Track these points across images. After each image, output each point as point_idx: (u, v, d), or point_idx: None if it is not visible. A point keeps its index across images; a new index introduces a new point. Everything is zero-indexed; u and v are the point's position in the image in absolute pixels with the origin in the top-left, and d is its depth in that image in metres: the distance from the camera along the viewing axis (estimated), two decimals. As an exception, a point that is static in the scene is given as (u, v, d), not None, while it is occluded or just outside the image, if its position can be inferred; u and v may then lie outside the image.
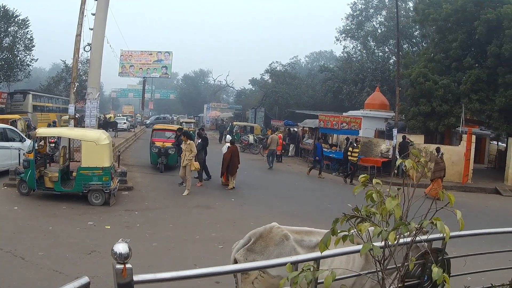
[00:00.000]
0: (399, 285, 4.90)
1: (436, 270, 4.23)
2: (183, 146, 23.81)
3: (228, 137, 31.64)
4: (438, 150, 27.38)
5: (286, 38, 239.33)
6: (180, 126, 38.44)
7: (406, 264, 4.76)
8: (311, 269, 4.59)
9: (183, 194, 22.68)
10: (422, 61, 39.65)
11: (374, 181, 4.72)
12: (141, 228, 16.32)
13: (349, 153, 29.75)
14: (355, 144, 30.21)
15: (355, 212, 4.58)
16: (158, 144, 30.01)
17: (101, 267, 11.50)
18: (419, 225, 4.48)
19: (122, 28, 77.71)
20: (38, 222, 16.23)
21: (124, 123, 71.81)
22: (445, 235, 4.46)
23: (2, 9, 54.91)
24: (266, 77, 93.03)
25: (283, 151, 42.43)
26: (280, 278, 6.11)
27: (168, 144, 30.05)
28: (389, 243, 4.33)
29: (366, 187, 4.78)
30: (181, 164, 24.27)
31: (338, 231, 4.51)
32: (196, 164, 23.59)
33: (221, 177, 26.09)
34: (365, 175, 4.90)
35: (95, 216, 17.41)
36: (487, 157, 44.03)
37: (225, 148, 26.80)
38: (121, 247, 4.17)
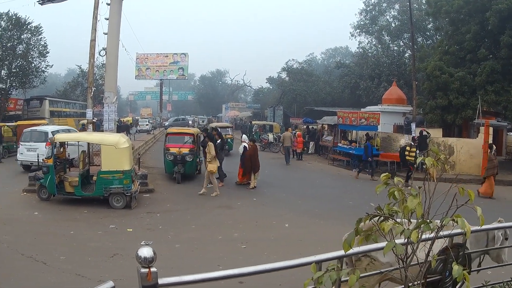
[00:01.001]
0: (422, 281, 4.86)
1: (456, 268, 4.21)
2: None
3: (244, 137, 29.88)
4: (490, 146, 27.02)
5: (301, 35, 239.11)
6: (203, 129, 35.38)
7: (428, 261, 4.76)
8: (336, 268, 4.53)
9: (212, 195, 22.67)
10: (437, 54, 39.43)
11: (395, 179, 4.70)
12: (163, 230, 16.27)
13: (406, 153, 28.66)
14: (412, 143, 29.53)
15: (378, 211, 4.56)
16: (173, 150, 26.53)
17: (124, 270, 11.42)
18: (441, 223, 4.45)
19: (137, 31, 78.25)
20: (59, 226, 16.25)
21: (147, 124, 73.84)
22: (466, 231, 4.37)
23: (14, 17, 55.03)
24: (283, 75, 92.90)
25: (304, 148, 42.27)
26: (389, 265, 6.12)
27: (185, 150, 26.61)
28: (412, 241, 4.31)
29: (388, 185, 4.68)
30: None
31: (362, 230, 4.51)
32: (211, 166, 23.49)
33: (243, 176, 26.03)
34: (387, 173, 4.83)
35: (117, 219, 17.40)
36: (504, 149, 43.65)
37: (241, 148, 26.72)
38: (145, 251, 4.07)
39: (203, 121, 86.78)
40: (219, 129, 32.44)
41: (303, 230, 16.57)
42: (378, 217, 4.53)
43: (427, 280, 5.17)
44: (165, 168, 27.48)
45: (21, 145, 28.65)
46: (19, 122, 40.29)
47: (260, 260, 12.03)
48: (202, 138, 27.67)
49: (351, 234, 4.51)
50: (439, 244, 5.65)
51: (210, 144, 23.69)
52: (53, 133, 28.10)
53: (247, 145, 26.29)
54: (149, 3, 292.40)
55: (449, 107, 35.22)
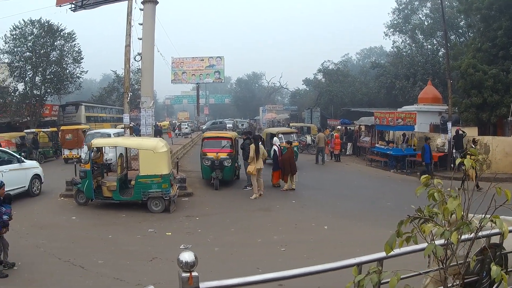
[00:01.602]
0: (460, 282, 4.86)
1: (495, 269, 4.23)
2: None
3: (276, 139, 29.82)
4: None
5: (335, 36, 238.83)
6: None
7: (466, 262, 4.74)
8: (377, 271, 4.54)
9: (250, 198, 22.79)
10: (470, 51, 39.31)
11: (435, 180, 4.69)
12: (203, 233, 16.25)
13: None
14: (473, 146, 29.20)
15: (418, 213, 4.58)
16: (210, 155, 25.34)
17: (163, 274, 11.42)
18: (479, 224, 4.47)
19: (171, 35, 78.71)
20: (97, 231, 16.34)
21: (186, 128, 74.07)
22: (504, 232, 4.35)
23: (46, 24, 55.58)
24: (319, 76, 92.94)
25: (342, 149, 42.16)
26: None
27: (223, 155, 25.37)
28: (452, 242, 4.32)
29: (428, 186, 4.67)
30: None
31: (403, 232, 4.48)
32: (250, 167, 23.65)
33: (280, 178, 25.85)
34: (427, 175, 4.81)
35: (156, 223, 17.43)
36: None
37: (272, 150, 26.79)
38: (187, 256, 4.04)
39: (242, 125, 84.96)
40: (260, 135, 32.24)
41: (342, 232, 16.50)
42: (419, 219, 4.52)
43: (465, 281, 5.05)
44: (202, 174, 26.54)
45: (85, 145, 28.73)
46: (62, 127, 41.26)
47: (299, 262, 11.87)
48: (242, 141, 26.82)
49: (393, 236, 4.49)
50: (476, 245, 5.54)
51: (252, 146, 23.81)
52: (115, 135, 30.10)
53: (277, 148, 26.15)
54: (183, 8, 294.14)
55: (484, 105, 35.08)
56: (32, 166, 23.76)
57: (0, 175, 19.61)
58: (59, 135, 41.06)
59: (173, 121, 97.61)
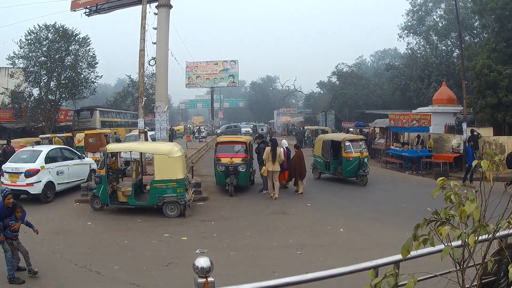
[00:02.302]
0: (478, 283, 4.83)
1: None
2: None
3: (284, 141, 28.66)
4: None
5: (350, 39, 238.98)
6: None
7: (484, 263, 4.69)
8: (394, 274, 4.48)
9: (270, 197, 23.49)
10: (485, 52, 39.14)
11: (452, 183, 4.68)
12: (218, 237, 16.24)
13: None
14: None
15: (435, 216, 4.55)
16: (224, 161, 24.60)
17: (179, 278, 11.46)
18: (497, 225, 4.44)
19: (185, 39, 78.63)
20: (112, 236, 16.40)
21: (202, 131, 74.82)
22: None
23: (61, 29, 55.81)
24: (334, 79, 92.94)
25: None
26: None
27: (238, 160, 24.62)
28: (469, 245, 4.31)
29: (444, 189, 4.68)
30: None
31: (419, 235, 4.48)
32: (263, 169, 23.97)
33: (286, 179, 26.00)
34: (443, 177, 4.78)
35: (171, 228, 17.44)
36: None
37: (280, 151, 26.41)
38: (202, 261, 4.07)
39: (262, 129, 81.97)
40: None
41: (358, 234, 16.45)
42: (435, 221, 4.50)
43: (482, 281, 5.03)
44: (216, 180, 25.74)
45: None
46: (86, 132, 41.78)
47: (315, 266, 11.92)
48: (257, 145, 26.87)
49: (409, 239, 4.48)
50: (494, 245, 5.52)
51: (267, 148, 24.06)
52: (150, 137, 31.63)
53: (283, 150, 25.75)
54: (198, 12, 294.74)
55: (499, 105, 34.92)
56: (89, 162, 27.19)
57: (66, 168, 24.60)
58: (73, 140, 41.55)
59: (188, 126, 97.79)
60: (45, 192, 22.72)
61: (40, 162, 23.11)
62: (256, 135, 33.20)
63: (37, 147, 25.87)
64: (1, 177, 23.40)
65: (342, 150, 27.93)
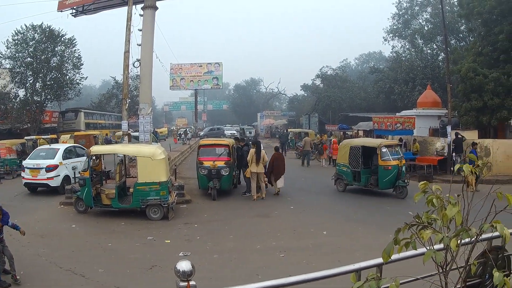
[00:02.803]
0: (461, 286, 4.89)
1: (497, 275, 4.22)
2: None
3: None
4: None
5: (334, 42, 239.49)
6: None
7: (467, 266, 4.81)
8: (375, 278, 4.51)
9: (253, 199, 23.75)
10: (471, 55, 39.48)
11: (433, 187, 4.72)
12: (202, 240, 16.25)
13: None
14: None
15: (417, 220, 4.57)
16: (207, 164, 24.24)
17: (162, 281, 11.48)
18: (480, 229, 4.48)
19: (170, 42, 78.64)
20: (97, 239, 16.33)
21: (187, 133, 76.91)
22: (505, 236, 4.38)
23: (48, 30, 55.78)
24: (318, 82, 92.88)
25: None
26: None
27: (220, 163, 24.27)
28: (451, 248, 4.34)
29: (426, 193, 4.71)
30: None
31: (401, 239, 4.50)
32: (246, 171, 24.20)
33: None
34: (425, 181, 4.83)
35: (155, 231, 17.42)
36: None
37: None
38: (184, 265, 4.09)
39: (250, 132, 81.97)
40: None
41: (342, 237, 16.53)
42: (417, 225, 4.52)
43: (467, 284, 5.09)
44: (199, 184, 25.43)
45: None
46: (76, 133, 44.04)
47: (299, 268, 11.96)
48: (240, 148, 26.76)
49: (390, 243, 4.51)
50: (478, 247, 5.59)
51: (251, 150, 24.27)
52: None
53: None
54: (182, 14, 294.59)
55: (484, 109, 35.18)
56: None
57: (79, 164, 26.40)
58: (58, 142, 41.64)
59: (172, 128, 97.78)
60: (63, 185, 25.59)
61: (58, 158, 26.63)
62: (238, 138, 32.91)
63: (53, 145, 30.32)
64: (22, 172, 26.77)
65: (378, 157, 24.70)
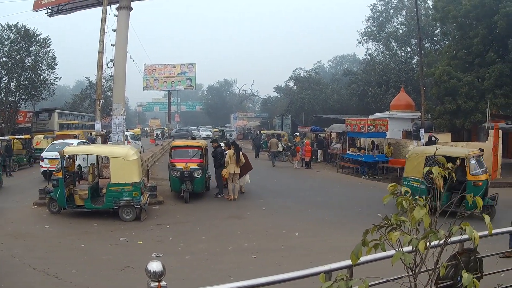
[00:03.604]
0: (433, 287, 4.90)
1: (466, 276, 4.27)
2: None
3: (221, 144, 28.82)
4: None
5: (308, 44, 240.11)
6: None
7: (437, 269, 4.77)
8: (344, 279, 4.55)
9: (226, 198, 24.17)
10: (445, 59, 39.70)
11: (402, 189, 4.74)
12: (174, 241, 16.30)
13: None
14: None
15: (385, 222, 4.61)
16: (179, 166, 23.85)
17: (135, 282, 11.45)
18: (449, 232, 4.51)
19: (144, 42, 78.03)
20: (70, 240, 16.30)
21: (164, 134, 79.87)
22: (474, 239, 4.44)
23: (23, 29, 55.44)
24: (291, 84, 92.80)
25: (313, 156, 42.47)
26: None
27: (193, 165, 23.89)
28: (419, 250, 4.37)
29: (395, 195, 4.75)
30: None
31: (369, 240, 4.55)
32: (224, 171, 24.24)
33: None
34: (394, 184, 4.88)
35: (127, 232, 17.42)
36: (514, 151, 43.68)
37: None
38: (154, 265, 4.14)
39: (231, 135, 79.43)
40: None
41: (314, 239, 16.60)
42: (386, 227, 4.56)
43: (439, 286, 5.20)
44: (171, 186, 24.93)
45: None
46: (57, 133, 45.85)
47: (271, 270, 12.03)
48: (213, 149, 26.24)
49: (358, 245, 4.57)
50: (450, 250, 5.72)
51: (229, 151, 24.49)
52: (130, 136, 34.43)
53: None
54: (157, 15, 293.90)
55: (458, 112, 35.43)
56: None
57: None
58: (32, 142, 41.88)
59: (145, 129, 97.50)
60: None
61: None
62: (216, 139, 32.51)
63: (67, 141, 34.38)
64: (41, 162, 31.49)
65: (467, 171, 19.89)
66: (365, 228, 4.63)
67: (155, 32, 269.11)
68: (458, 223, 4.47)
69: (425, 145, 31.55)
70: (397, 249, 4.48)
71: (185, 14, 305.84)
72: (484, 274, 6.30)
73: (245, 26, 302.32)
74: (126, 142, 33.59)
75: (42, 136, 43.91)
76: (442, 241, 4.52)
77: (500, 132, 31.16)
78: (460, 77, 35.14)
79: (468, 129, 37.55)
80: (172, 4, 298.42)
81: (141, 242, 16.07)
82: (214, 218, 20.38)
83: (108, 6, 27.90)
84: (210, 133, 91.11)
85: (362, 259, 4.79)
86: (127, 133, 43.81)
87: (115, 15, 28.36)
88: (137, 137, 59.59)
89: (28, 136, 43.53)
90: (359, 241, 4.64)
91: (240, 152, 24.82)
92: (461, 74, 35.71)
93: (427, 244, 4.33)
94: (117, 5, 28.51)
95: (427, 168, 4.83)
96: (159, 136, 75.09)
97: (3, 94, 56.08)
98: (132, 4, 28.97)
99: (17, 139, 39.54)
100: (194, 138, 57.85)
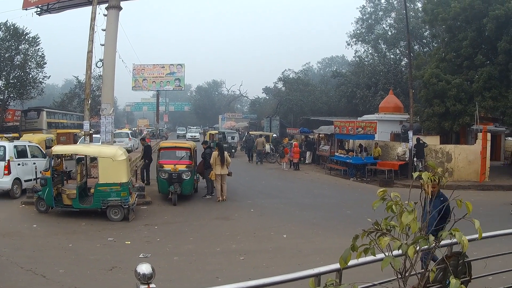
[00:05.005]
0: None
1: (454, 282, 4.31)
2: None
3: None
4: None
5: (297, 45, 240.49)
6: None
7: (426, 273, 4.90)
8: (334, 284, 4.56)
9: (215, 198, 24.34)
10: (434, 61, 39.63)
11: (392, 194, 4.78)
12: (162, 242, 16.26)
13: None
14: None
15: (375, 227, 4.65)
16: (167, 167, 23.60)
17: (122, 283, 11.47)
18: (439, 237, 4.61)
19: (134, 42, 77.86)
20: (57, 239, 16.24)
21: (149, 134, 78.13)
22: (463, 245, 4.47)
23: (12, 28, 55.31)
24: (280, 85, 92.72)
25: (301, 158, 42.48)
26: None
27: (182, 167, 23.68)
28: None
29: (384, 200, 4.82)
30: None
31: (359, 245, 4.61)
32: (211, 173, 24.25)
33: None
34: (384, 189, 4.95)
35: (115, 232, 17.39)
36: (503, 154, 43.71)
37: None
38: (144, 268, 4.13)
39: (233, 138, 66.89)
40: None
41: (302, 241, 16.60)
42: (375, 232, 4.59)
43: (428, 289, 5.22)
44: (159, 188, 24.55)
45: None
46: (58, 130, 46.36)
47: (258, 271, 12.08)
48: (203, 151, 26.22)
49: (347, 250, 4.59)
50: (439, 254, 5.74)
51: (214, 152, 24.38)
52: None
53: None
54: (146, 15, 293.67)
55: (447, 114, 35.44)
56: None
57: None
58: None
59: (133, 128, 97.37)
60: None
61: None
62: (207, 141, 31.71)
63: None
64: None
65: None
66: (353, 230, 4.66)
67: (144, 32, 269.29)
68: (448, 228, 4.48)
69: (414, 147, 31.69)
70: (386, 254, 4.50)
71: (175, 15, 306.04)
72: (472, 277, 6.33)
73: (234, 27, 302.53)
74: (127, 138, 34.63)
75: (31, 134, 43.78)
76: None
77: (489, 134, 31.31)
78: (449, 80, 35.13)
79: (456, 131, 37.62)
80: (161, 4, 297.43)
81: (129, 242, 16.01)
82: (202, 219, 20.37)
83: (98, 6, 27.81)
84: (196, 134, 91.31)
85: (351, 262, 4.80)
86: (128, 131, 48.18)
87: (105, 15, 28.27)
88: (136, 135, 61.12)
89: (16, 135, 43.54)
90: (347, 244, 4.65)
91: (226, 153, 24.75)
92: (450, 77, 35.69)
93: (417, 249, 4.37)
94: (106, 5, 28.44)
95: (417, 173, 4.84)
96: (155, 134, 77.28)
97: (-9, 93, 55.54)
98: (122, 3, 28.91)
99: (5, 137, 39.42)
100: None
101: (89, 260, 13.77)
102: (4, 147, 24.53)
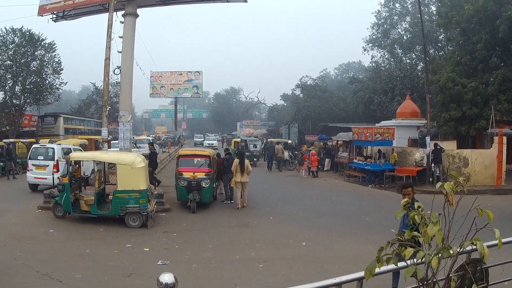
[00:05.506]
0: None
1: None
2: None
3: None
4: None
5: (314, 51, 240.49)
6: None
7: (447, 280, 4.84)
8: None
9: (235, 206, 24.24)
10: (449, 65, 39.50)
11: (416, 204, 4.74)
12: (180, 249, 16.19)
13: None
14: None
15: (399, 237, 4.66)
16: (186, 175, 23.33)
17: (140, 290, 11.36)
18: (460, 247, 4.53)
19: (151, 49, 78.21)
20: (74, 245, 16.25)
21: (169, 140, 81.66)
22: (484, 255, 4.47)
23: (27, 33, 55.67)
24: (297, 92, 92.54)
25: (320, 165, 42.36)
26: None
27: (201, 175, 23.37)
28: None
29: (408, 210, 4.79)
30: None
31: (382, 255, 4.56)
32: (231, 181, 24.32)
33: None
34: (406, 199, 5.05)
35: (133, 239, 17.33)
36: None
37: None
38: (167, 277, 4.06)
39: (255, 146, 59.37)
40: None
41: (321, 248, 16.47)
42: (399, 243, 4.59)
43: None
44: (178, 195, 24.37)
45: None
46: (80, 136, 48.07)
47: (277, 280, 11.98)
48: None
49: (373, 261, 4.54)
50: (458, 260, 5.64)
51: (235, 160, 24.44)
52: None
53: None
54: (163, 22, 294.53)
55: (463, 119, 35.27)
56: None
57: None
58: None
59: (152, 135, 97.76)
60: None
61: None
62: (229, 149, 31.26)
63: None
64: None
65: None
66: (372, 237, 4.68)
67: (162, 39, 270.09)
68: (469, 237, 4.46)
69: (431, 153, 31.47)
70: (408, 264, 4.49)
71: (192, 22, 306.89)
72: (489, 284, 6.25)
73: (252, 34, 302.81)
74: (148, 145, 35.45)
75: (48, 140, 44.05)
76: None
77: (505, 138, 31.06)
78: (464, 84, 34.96)
79: (473, 136, 37.45)
80: (179, 11, 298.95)
81: (147, 249, 15.93)
82: (221, 227, 20.34)
83: (115, 13, 27.81)
84: (214, 142, 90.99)
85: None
86: (150, 138, 50.97)
87: (121, 22, 28.31)
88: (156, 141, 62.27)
89: (33, 140, 43.68)
90: (366, 251, 4.67)
91: (246, 161, 24.71)
92: (466, 81, 35.53)
93: (440, 260, 4.33)
94: (123, 12, 28.47)
95: (439, 183, 4.72)
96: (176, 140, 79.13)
97: (7, 97, 56.54)
98: (138, 11, 28.92)
99: (22, 142, 39.61)
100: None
101: (107, 266, 13.74)
102: (53, 148, 29.57)
